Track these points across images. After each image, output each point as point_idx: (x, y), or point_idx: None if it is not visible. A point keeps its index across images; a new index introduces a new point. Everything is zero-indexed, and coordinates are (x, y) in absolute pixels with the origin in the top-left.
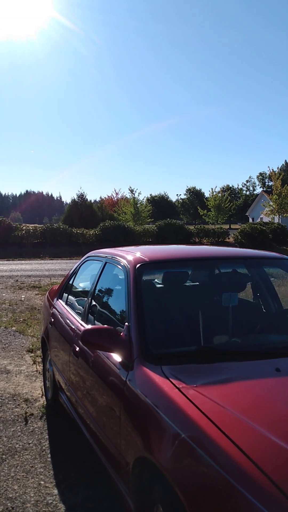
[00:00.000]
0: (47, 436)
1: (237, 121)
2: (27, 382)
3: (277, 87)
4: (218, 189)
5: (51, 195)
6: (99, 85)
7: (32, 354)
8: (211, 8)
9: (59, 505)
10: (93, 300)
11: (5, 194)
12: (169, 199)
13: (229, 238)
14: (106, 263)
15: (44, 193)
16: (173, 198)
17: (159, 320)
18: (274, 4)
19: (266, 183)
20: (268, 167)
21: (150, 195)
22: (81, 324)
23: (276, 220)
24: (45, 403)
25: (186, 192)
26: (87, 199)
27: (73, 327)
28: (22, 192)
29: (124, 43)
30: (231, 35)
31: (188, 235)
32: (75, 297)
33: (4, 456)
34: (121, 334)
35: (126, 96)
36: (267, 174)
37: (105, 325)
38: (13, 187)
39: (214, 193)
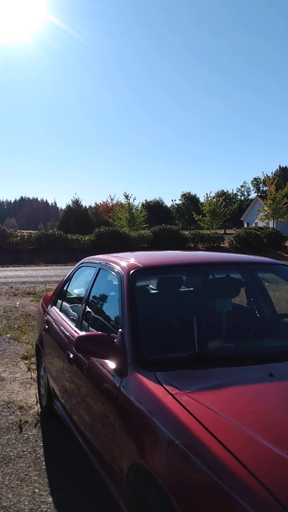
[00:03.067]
0: (41, 444)
1: (232, 127)
2: (21, 390)
3: (272, 93)
4: (213, 194)
5: (46, 201)
6: (94, 91)
7: (26, 361)
8: (216, 5)
9: None
10: (87, 307)
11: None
12: (164, 204)
13: (224, 243)
14: (100, 269)
15: (39, 199)
16: (168, 203)
17: (153, 326)
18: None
19: (261, 188)
20: (262, 172)
21: (145, 200)
22: (75, 331)
23: (271, 225)
24: (39, 410)
25: (181, 197)
26: (82, 205)
27: (67, 333)
28: (17, 199)
29: (121, 47)
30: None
31: (183, 240)
32: (69, 304)
33: None
34: (115, 340)
35: (121, 101)
36: (262, 179)
37: (99, 332)
38: (8, 194)
39: (209, 198)
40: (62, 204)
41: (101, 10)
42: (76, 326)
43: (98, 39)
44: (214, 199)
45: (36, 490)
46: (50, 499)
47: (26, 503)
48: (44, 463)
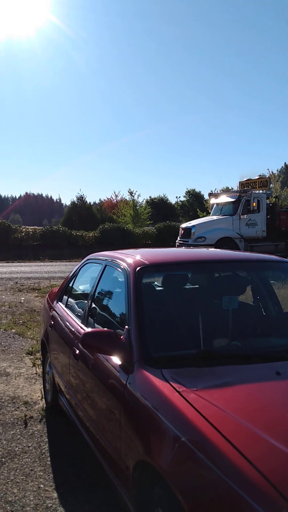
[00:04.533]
0: (46, 439)
1: (237, 124)
2: (26, 385)
3: (280, 86)
4: (218, 191)
5: (51, 197)
6: (99, 86)
7: (31, 357)
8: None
9: (59, 508)
10: (93, 303)
11: (4, 196)
12: (168, 201)
13: None
14: (106, 265)
15: (44, 195)
16: (172, 200)
17: (159, 323)
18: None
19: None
20: (268, 169)
21: (150, 197)
22: (81, 327)
23: None
24: (44, 406)
25: (186, 194)
26: (86, 201)
27: (73, 329)
28: (22, 194)
29: (124, 43)
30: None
31: None
32: (75, 300)
33: (3, 459)
34: (121, 337)
35: (127, 96)
36: (267, 177)
37: (105, 328)
38: (13, 189)
39: None
40: (66, 200)
41: (103, 8)
42: (82, 322)
43: (103, 31)
44: None
45: (41, 486)
46: (55, 495)
47: (31, 498)
48: (49, 458)
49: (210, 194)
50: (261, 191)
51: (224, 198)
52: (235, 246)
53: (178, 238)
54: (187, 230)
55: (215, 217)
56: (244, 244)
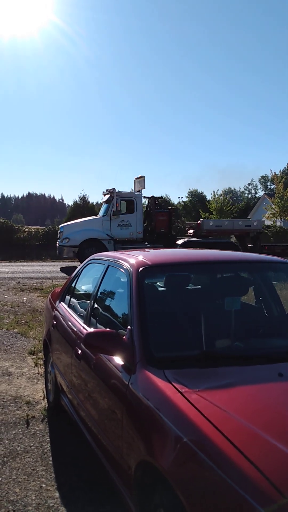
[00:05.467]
0: (48, 439)
1: (239, 124)
2: (28, 385)
3: (281, 88)
4: (220, 192)
5: (53, 197)
6: (101, 87)
7: (34, 357)
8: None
9: (61, 508)
10: (95, 303)
11: (7, 196)
12: (170, 201)
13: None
14: (108, 266)
15: (47, 195)
16: (175, 200)
17: (161, 323)
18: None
19: (268, 186)
20: (270, 170)
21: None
22: (83, 327)
23: (278, 223)
24: (46, 405)
25: (188, 194)
26: (89, 201)
27: (76, 330)
28: (25, 194)
29: (126, 41)
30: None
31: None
32: (78, 300)
33: (5, 458)
34: (124, 337)
35: (128, 97)
36: (269, 177)
37: (108, 329)
38: (16, 189)
39: (216, 196)
40: (69, 200)
41: (105, 9)
42: (84, 322)
43: (105, 30)
44: (221, 197)
45: (43, 485)
46: (57, 494)
47: (33, 498)
48: (51, 458)
49: (103, 193)
50: (137, 191)
51: (104, 198)
52: (103, 248)
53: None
54: (60, 231)
55: (87, 218)
56: (114, 246)
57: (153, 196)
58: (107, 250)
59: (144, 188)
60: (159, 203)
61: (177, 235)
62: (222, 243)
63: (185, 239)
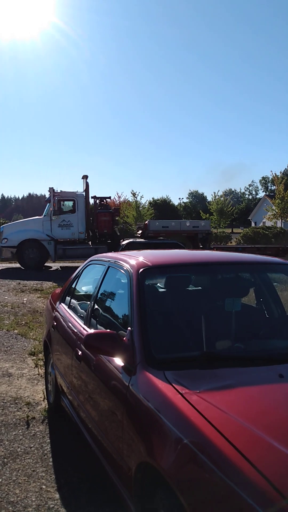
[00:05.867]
0: (48, 440)
1: (240, 125)
2: (29, 386)
3: (284, 88)
4: (220, 193)
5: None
6: (101, 87)
7: (34, 358)
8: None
9: (61, 509)
10: (95, 304)
11: (7, 196)
12: (171, 202)
13: (231, 242)
14: (109, 267)
15: (47, 196)
16: (175, 201)
17: (162, 325)
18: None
19: (269, 187)
20: (271, 171)
21: (152, 198)
22: (83, 328)
23: (279, 224)
24: (46, 406)
25: (189, 195)
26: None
27: (76, 331)
28: (25, 195)
29: (126, 44)
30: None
31: None
32: (78, 301)
33: (5, 460)
34: (124, 338)
35: (129, 98)
36: (270, 179)
37: (108, 330)
38: (16, 190)
39: (217, 197)
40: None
41: (107, 11)
42: (84, 324)
43: (107, 30)
44: (222, 198)
45: (43, 486)
46: (57, 496)
47: (33, 499)
48: (51, 459)
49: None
50: (78, 191)
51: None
52: (43, 249)
53: None
54: (0, 232)
55: (29, 218)
56: (55, 247)
57: (95, 196)
58: (47, 251)
59: (87, 187)
60: (105, 204)
61: (124, 236)
62: (167, 244)
63: (130, 240)
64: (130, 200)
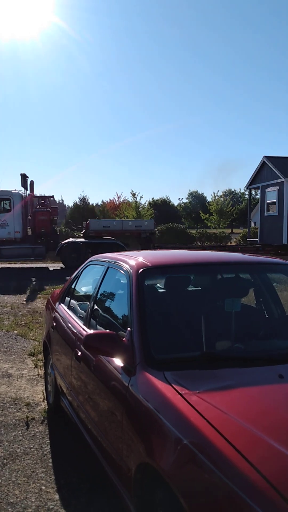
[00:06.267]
0: (48, 441)
1: (240, 125)
2: (28, 386)
3: (283, 88)
4: (220, 193)
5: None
6: (102, 87)
7: (33, 358)
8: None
9: (60, 510)
10: (95, 305)
11: None
12: (171, 203)
13: (231, 243)
14: (108, 267)
15: None
16: (175, 202)
17: (161, 325)
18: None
19: None
20: None
21: (152, 199)
22: (83, 329)
23: None
24: (46, 407)
25: (188, 196)
26: (89, 203)
27: (75, 331)
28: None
29: (126, 44)
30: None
31: (190, 239)
32: (77, 301)
33: (5, 460)
34: (124, 339)
35: (129, 98)
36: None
37: (108, 330)
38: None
39: (216, 197)
40: (69, 202)
41: (107, 10)
42: (84, 324)
43: (106, 31)
44: (222, 198)
45: (43, 487)
46: (57, 496)
47: (33, 500)
48: (50, 460)
49: None
50: (14, 190)
51: None
52: None
53: None
54: None
55: None
56: None
57: (31, 194)
58: None
59: (25, 187)
60: (47, 203)
61: (64, 236)
62: (107, 244)
63: (69, 240)
64: (130, 200)
